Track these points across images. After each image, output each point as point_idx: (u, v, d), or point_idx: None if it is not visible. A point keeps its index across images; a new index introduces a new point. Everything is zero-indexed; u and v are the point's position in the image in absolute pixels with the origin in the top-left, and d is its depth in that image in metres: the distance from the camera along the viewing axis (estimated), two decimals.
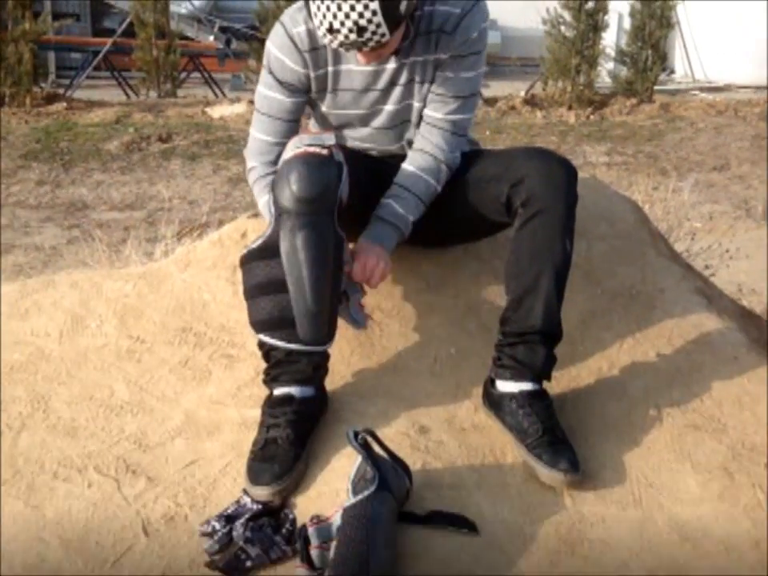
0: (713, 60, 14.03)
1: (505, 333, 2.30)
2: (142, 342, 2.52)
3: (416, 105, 2.39)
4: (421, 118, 2.40)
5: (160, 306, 2.60)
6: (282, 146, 2.34)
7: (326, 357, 2.27)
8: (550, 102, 11.66)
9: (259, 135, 2.44)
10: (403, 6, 2.12)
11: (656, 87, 12.32)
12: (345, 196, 2.21)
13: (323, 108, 2.41)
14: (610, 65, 12.34)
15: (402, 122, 2.42)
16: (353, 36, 2.08)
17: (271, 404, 2.22)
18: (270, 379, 2.25)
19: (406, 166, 2.38)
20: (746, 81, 13.64)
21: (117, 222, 6.81)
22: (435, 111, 2.38)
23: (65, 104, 11.24)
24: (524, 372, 2.26)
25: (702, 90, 13.49)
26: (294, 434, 2.15)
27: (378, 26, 2.07)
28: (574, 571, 1.96)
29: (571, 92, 11.57)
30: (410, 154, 2.40)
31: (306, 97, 2.40)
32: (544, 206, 2.23)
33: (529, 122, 10.89)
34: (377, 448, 2.04)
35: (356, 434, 2.01)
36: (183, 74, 13.20)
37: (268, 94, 2.39)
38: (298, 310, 2.15)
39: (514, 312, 2.28)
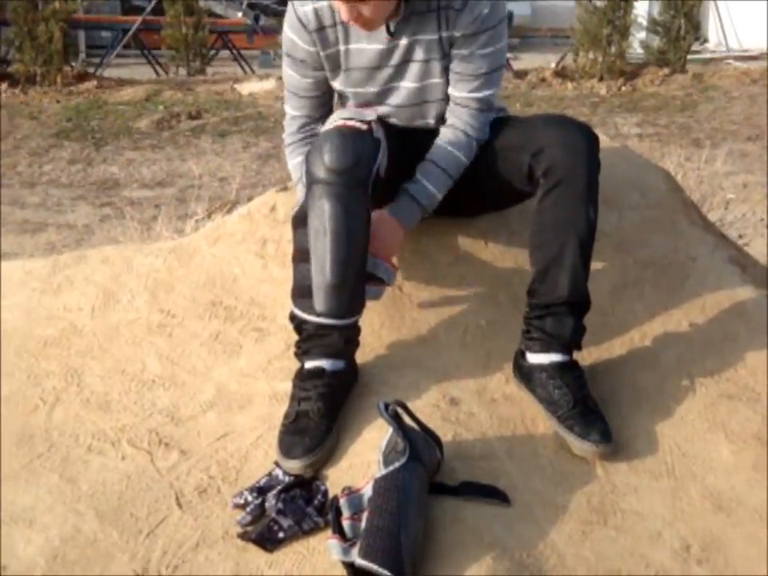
0: (747, 28, 13.85)
1: (532, 305, 2.29)
2: (173, 316, 2.54)
3: (437, 81, 2.36)
4: (446, 95, 2.38)
5: (190, 280, 2.61)
6: (309, 118, 2.43)
7: (357, 330, 2.27)
8: (581, 73, 11.56)
9: (288, 109, 2.48)
10: None
11: (689, 57, 12.17)
12: (382, 172, 2.22)
13: (338, 86, 2.40)
14: (642, 34, 12.20)
15: (422, 101, 2.39)
16: None
17: (302, 377, 2.22)
18: (302, 352, 2.25)
19: (438, 141, 2.37)
20: None
21: (148, 199, 6.84)
22: (458, 90, 2.35)
23: (95, 82, 11.30)
24: (553, 343, 2.25)
25: (735, 58, 13.31)
26: (324, 407, 2.16)
27: None
28: (606, 541, 1.96)
29: (602, 63, 11.46)
30: (442, 129, 2.38)
31: (325, 75, 2.39)
32: (565, 175, 2.21)
33: (560, 95, 10.80)
34: (407, 419, 2.04)
35: (386, 406, 2.01)
36: (212, 52, 13.21)
37: (288, 72, 2.41)
38: (317, 281, 2.16)
39: (540, 284, 2.26)
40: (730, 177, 6.38)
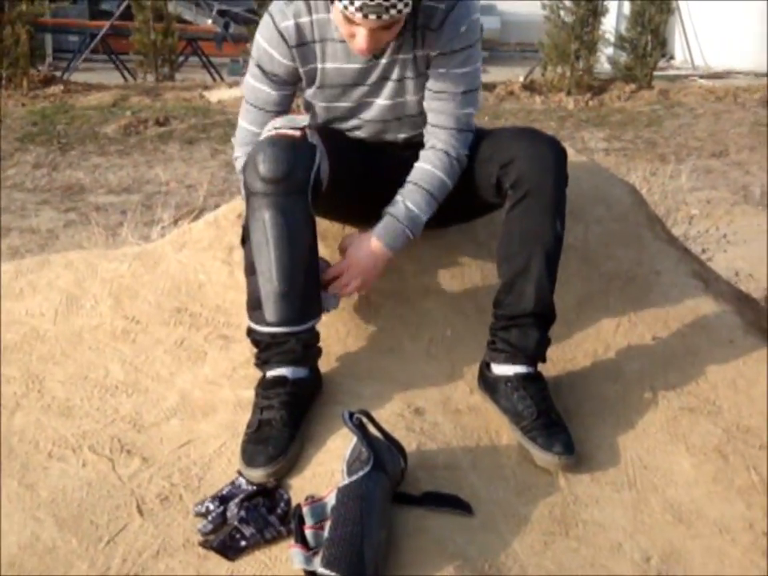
0: (712, 46, 13.99)
1: (498, 316, 2.30)
2: (137, 322, 2.52)
3: (410, 99, 2.35)
4: (420, 112, 2.36)
5: (155, 286, 2.60)
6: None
7: (315, 335, 2.26)
8: (548, 87, 11.63)
9: (246, 125, 2.42)
10: None
11: (655, 73, 12.27)
12: (324, 177, 2.24)
13: (309, 98, 2.39)
14: (610, 50, 12.29)
15: (394, 117, 2.38)
16: None
17: (264, 386, 2.21)
18: (262, 363, 2.24)
19: (420, 163, 2.34)
20: (746, 67, 13.61)
21: (114, 205, 6.79)
22: (436, 110, 2.33)
23: (62, 87, 11.21)
24: (517, 355, 2.26)
25: (701, 76, 13.45)
26: (287, 415, 2.15)
27: None
28: (568, 552, 1.97)
29: (570, 77, 11.53)
30: (423, 152, 2.36)
31: (294, 89, 2.39)
32: (533, 188, 2.22)
33: (527, 108, 10.86)
34: (372, 429, 2.04)
35: (351, 415, 2.01)
36: (181, 58, 13.15)
37: (255, 86, 2.37)
38: (265, 291, 2.18)
39: (507, 295, 2.27)
40: (694, 192, 6.45)
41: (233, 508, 1.99)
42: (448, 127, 2.33)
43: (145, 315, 2.53)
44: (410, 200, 2.31)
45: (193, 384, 2.36)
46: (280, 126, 2.23)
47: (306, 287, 2.20)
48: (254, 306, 2.22)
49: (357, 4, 2.04)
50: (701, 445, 2.24)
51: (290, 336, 2.19)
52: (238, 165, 2.42)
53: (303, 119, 2.25)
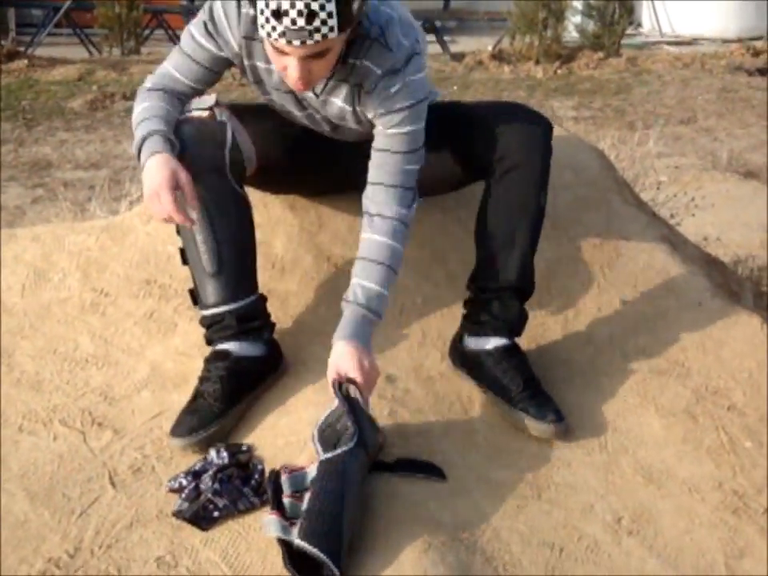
0: (679, 13, 14.03)
1: (479, 288, 2.29)
2: (106, 294, 2.51)
3: (354, 128, 2.26)
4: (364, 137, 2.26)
5: (124, 258, 2.58)
6: (188, 89, 2.24)
7: (254, 310, 2.24)
8: (517, 56, 11.60)
9: (170, 68, 2.24)
10: (356, 6, 1.94)
11: (623, 41, 12.28)
12: (250, 153, 2.25)
13: (255, 90, 2.30)
14: (577, 18, 12.28)
15: (343, 130, 2.30)
16: (300, 21, 1.87)
17: (208, 359, 2.21)
18: (207, 341, 2.24)
19: (369, 235, 2.16)
20: (713, 34, 13.66)
21: (82, 180, 6.72)
22: (375, 165, 2.17)
23: (26, 61, 11.05)
24: (499, 327, 2.26)
25: (668, 43, 13.48)
26: (221, 390, 2.14)
27: (330, 15, 1.88)
28: (540, 514, 1.98)
29: (539, 46, 11.51)
30: (368, 220, 2.17)
31: (218, 77, 2.26)
32: (520, 162, 2.21)
33: (496, 77, 10.84)
34: (359, 398, 2.03)
35: (340, 385, 2.01)
36: (147, 31, 13.02)
37: (200, 41, 2.17)
38: (197, 274, 2.20)
39: (489, 268, 2.27)
40: (662, 159, 6.46)
41: (206, 480, 1.99)
42: (388, 185, 2.16)
43: (114, 288, 2.52)
44: (370, 280, 2.14)
45: (164, 356, 2.35)
46: (189, 109, 2.21)
47: (236, 265, 2.21)
48: (195, 291, 2.24)
49: (279, 30, 1.90)
50: (670, 406, 2.26)
51: (226, 313, 2.20)
52: (143, 95, 2.23)
53: (210, 99, 2.24)
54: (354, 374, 2.03)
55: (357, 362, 2.04)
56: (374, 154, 2.18)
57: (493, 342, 2.26)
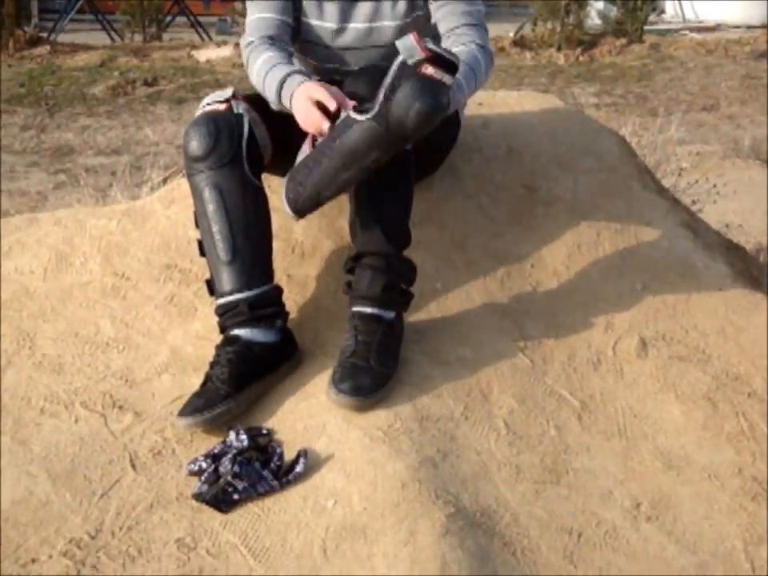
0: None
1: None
2: (127, 278, 2.52)
3: (387, 24, 2.36)
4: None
5: (145, 243, 2.59)
6: (281, 23, 2.36)
7: (268, 299, 2.25)
8: (539, 43, 11.57)
9: (253, 16, 2.38)
10: None
11: (646, 27, 12.21)
12: (266, 142, 2.29)
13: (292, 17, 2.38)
14: (600, 4, 12.22)
15: (372, 45, 2.38)
16: None
17: (218, 345, 2.23)
18: (221, 329, 2.25)
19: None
20: (736, 20, 13.54)
21: (103, 166, 6.76)
22: (446, 16, 2.31)
23: (48, 48, 11.12)
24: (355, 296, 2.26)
25: (691, 29, 13.38)
26: (228, 373, 2.15)
27: None
28: (559, 500, 1.98)
29: (560, 33, 11.47)
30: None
31: None
32: None
33: (518, 64, 10.81)
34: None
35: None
36: (168, 18, 13.04)
37: None
38: (213, 263, 2.23)
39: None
40: (684, 146, 6.43)
41: (226, 463, 2.00)
42: (463, 24, 2.31)
43: (134, 272, 2.53)
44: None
45: (183, 340, 2.36)
46: (206, 103, 2.30)
47: (251, 254, 2.23)
48: (212, 280, 2.26)
49: None
50: (690, 392, 2.25)
51: (240, 301, 2.21)
52: (246, 51, 2.36)
53: (228, 91, 2.31)
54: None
55: None
56: (438, 8, 2.31)
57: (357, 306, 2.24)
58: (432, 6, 2.34)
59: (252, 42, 2.36)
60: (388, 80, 2.02)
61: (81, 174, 6.22)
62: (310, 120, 2.16)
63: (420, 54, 2.00)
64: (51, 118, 8.30)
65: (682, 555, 1.88)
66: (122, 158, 6.96)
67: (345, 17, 2.37)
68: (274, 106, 2.29)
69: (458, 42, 2.29)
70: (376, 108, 2.03)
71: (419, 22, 2.37)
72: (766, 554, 1.90)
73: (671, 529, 1.94)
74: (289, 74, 2.23)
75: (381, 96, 2.03)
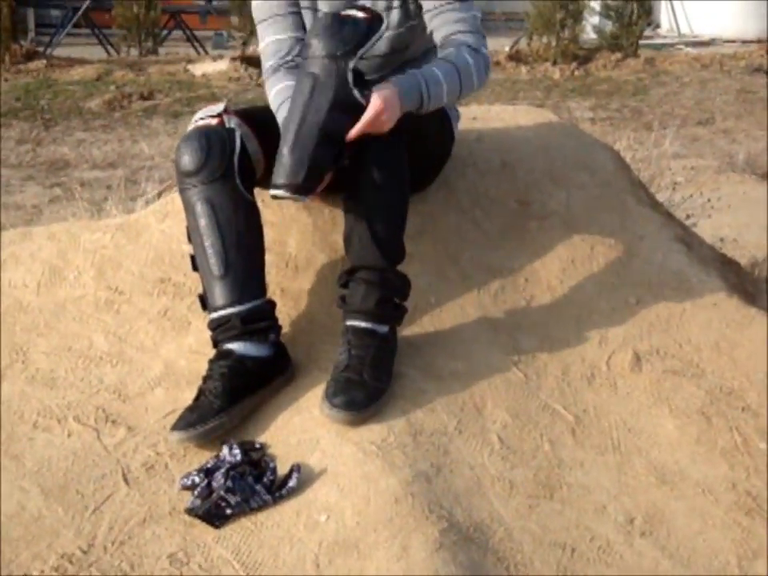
0: (698, 14, 13.98)
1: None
2: (121, 293, 2.51)
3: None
4: (391, 50, 2.39)
5: (138, 257, 2.59)
6: (294, 40, 2.38)
7: (260, 313, 2.25)
8: (534, 57, 11.59)
9: (268, 39, 2.41)
10: None
11: (641, 42, 12.25)
12: (258, 156, 2.30)
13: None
14: (595, 19, 12.26)
15: (366, 56, 2.34)
16: None
17: (212, 358, 2.22)
18: (214, 344, 2.25)
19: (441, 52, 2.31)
20: (732, 35, 13.60)
21: (99, 180, 6.75)
22: (441, 24, 2.32)
23: (45, 61, 11.11)
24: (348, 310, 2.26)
25: (687, 44, 13.43)
26: (221, 387, 2.14)
27: None
28: (552, 514, 1.98)
29: (556, 47, 11.50)
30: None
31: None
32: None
33: (513, 78, 10.83)
34: None
35: None
36: (164, 32, 13.07)
37: (262, 2, 2.40)
38: (205, 278, 2.23)
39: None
40: (679, 160, 6.44)
41: (219, 478, 2.00)
42: (458, 31, 2.30)
43: (128, 286, 2.53)
44: (433, 65, 2.24)
45: (177, 354, 2.36)
46: (197, 118, 2.31)
47: (243, 268, 2.23)
48: (204, 295, 2.26)
49: None
50: (684, 407, 2.25)
51: (232, 315, 2.21)
52: (271, 78, 2.40)
53: (219, 106, 2.31)
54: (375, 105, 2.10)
55: (376, 96, 2.11)
56: (433, 17, 2.31)
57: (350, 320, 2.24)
58: (426, 17, 2.34)
59: (270, 67, 2.40)
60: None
61: (76, 187, 6.20)
62: None
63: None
64: (47, 131, 8.29)
65: (675, 570, 1.88)
66: (118, 172, 6.96)
67: None
68: None
69: (451, 45, 2.29)
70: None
71: (414, 31, 2.39)
72: (760, 569, 1.90)
73: (665, 544, 1.94)
74: None
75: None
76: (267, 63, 2.41)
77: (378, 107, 2.10)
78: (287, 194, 2.10)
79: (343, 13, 2.16)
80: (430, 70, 2.22)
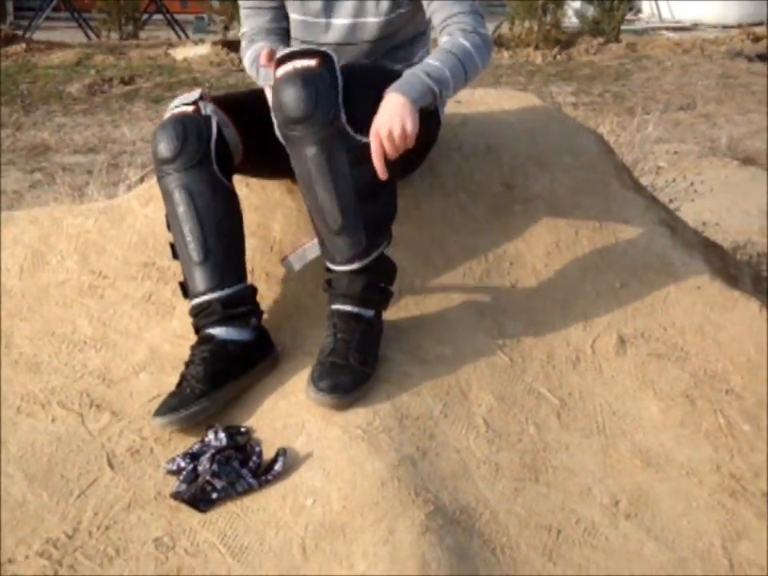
0: None
1: None
2: (105, 277, 2.50)
3: (371, 21, 2.36)
4: (378, 38, 2.38)
5: (122, 241, 2.58)
6: (274, 12, 2.47)
7: (241, 298, 2.24)
8: (516, 42, 11.58)
9: (247, 28, 2.50)
10: None
11: (622, 27, 12.26)
12: (236, 142, 2.29)
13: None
14: (577, 4, 12.27)
15: (355, 41, 2.38)
16: None
17: (194, 344, 2.22)
18: (195, 329, 2.25)
19: (443, 40, 2.28)
20: (713, 20, 13.63)
21: (80, 165, 6.71)
22: (439, 8, 2.30)
23: (24, 45, 11.04)
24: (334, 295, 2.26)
25: (668, 29, 13.45)
26: (203, 372, 2.14)
27: None
28: (538, 497, 1.98)
29: (538, 32, 11.49)
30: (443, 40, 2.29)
31: None
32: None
33: (495, 63, 10.80)
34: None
35: None
36: (145, 16, 12.99)
37: None
38: (185, 264, 2.23)
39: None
40: (661, 145, 6.46)
41: (204, 462, 1.99)
42: (457, 12, 2.28)
43: (112, 270, 2.51)
44: (432, 57, 2.21)
45: (161, 338, 2.35)
46: (174, 105, 2.30)
47: (223, 254, 2.22)
48: (185, 282, 2.25)
49: None
50: (668, 390, 2.26)
51: (213, 300, 2.21)
52: (245, 59, 2.50)
53: (195, 93, 2.30)
54: (384, 121, 2.06)
55: (386, 109, 2.08)
56: (431, 5, 2.31)
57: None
58: (425, 4, 2.34)
59: (249, 36, 2.49)
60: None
61: (57, 172, 6.18)
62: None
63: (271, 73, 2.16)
64: (27, 116, 8.23)
65: (660, 552, 1.89)
66: (99, 157, 6.91)
67: (328, 13, 2.38)
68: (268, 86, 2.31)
69: (447, 33, 2.27)
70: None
71: (403, 19, 2.38)
72: (744, 550, 1.91)
73: (650, 526, 1.94)
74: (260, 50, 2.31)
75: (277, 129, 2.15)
76: (244, 28, 2.51)
77: (399, 134, 2.07)
78: (355, 266, 2.16)
79: (298, 66, 2.11)
80: (428, 63, 2.18)
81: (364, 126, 2.11)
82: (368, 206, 2.14)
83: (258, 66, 2.36)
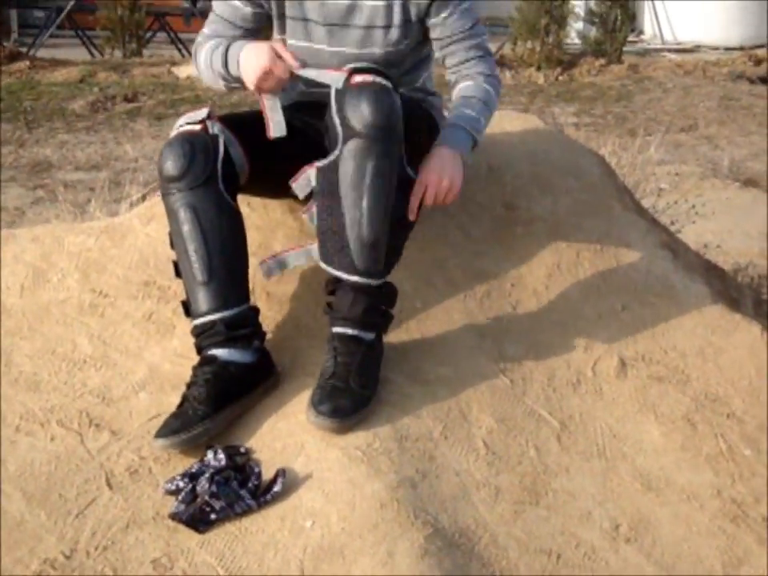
0: (681, 21, 14.03)
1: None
2: (105, 296, 2.50)
3: (377, 51, 2.35)
4: (386, 67, 2.35)
5: (123, 260, 2.58)
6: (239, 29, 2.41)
7: (244, 319, 2.24)
8: (519, 62, 11.61)
9: (207, 31, 2.43)
10: None
11: (625, 48, 12.29)
12: (242, 162, 2.27)
13: (277, 35, 2.42)
14: (579, 25, 12.29)
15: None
16: None
17: (196, 365, 2.21)
18: (197, 350, 2.24)
19: (457, 89, 2.39)
20: (715, 42, 13.66)
21: (82, 182, 6.72)
22: (454, 51, 2.38)
23: (28, 62, 11.05)
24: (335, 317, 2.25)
25: (670, 50, 13.49)
26: (205, 393, 2.13)
27: None
28: (538, 521, 1.98)
29: (540, 52, 11.52)
30: (457, 85, 2.41)
31: (265, 9, 2.38)
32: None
33: None
34: None
35: None
36: (149, 34, 13.03)
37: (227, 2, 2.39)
38: (189, 283, 2.22)
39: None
40: (663, 166, 6.46)
41: (203, 483, 1.99)
42: (470, 58, 2.38)
43: (113, 289, 2.51)
44: (458, 109, 2.33)
45: (162, 357, 2.34)
46: (181, 123, 2.29)
47: (227, 274, 2.22)
48: (187, 301, 2.24)
49: None
50: (669, 413, 2.25)
51: (216, 321, 2.20)
52: (195, 50, 2.44)
53: (203, 112, 2.29)
54: (435, 174, 2.21)
55: (436, 163, 2.23)
56: (446, 45, 2.37)
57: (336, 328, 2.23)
58: (436, 44, 2.39)
59: (206, 36, 2.41)
60: (334, 112, 2.12)
61: (59, 189, 6.18)
62: (259, 59, 2.19)
63: (343, 75, 2.14)
64: (30, 133, 8.25)
65: None
66: (101, 174, 6.92)
67: (334, 42, 2.36)
68: (225, 81, 2.32)
69: (466, 77, 2.38)
70: (340, 138, 2.11)
71: (409, 47, 2.38)
72: None
73: (650, 550, 1.94)
74: (231, 43, 2.29)
75: (338, 127, 2.12)
76: (202, 35, 2.43)
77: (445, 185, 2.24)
78: (372, 281, 2.18)
79: (369, 80, 2.14)
80: (466, 114, 2.31)
81: (411, 162, 2.20)
82: (397, 233, 2.21)
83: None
